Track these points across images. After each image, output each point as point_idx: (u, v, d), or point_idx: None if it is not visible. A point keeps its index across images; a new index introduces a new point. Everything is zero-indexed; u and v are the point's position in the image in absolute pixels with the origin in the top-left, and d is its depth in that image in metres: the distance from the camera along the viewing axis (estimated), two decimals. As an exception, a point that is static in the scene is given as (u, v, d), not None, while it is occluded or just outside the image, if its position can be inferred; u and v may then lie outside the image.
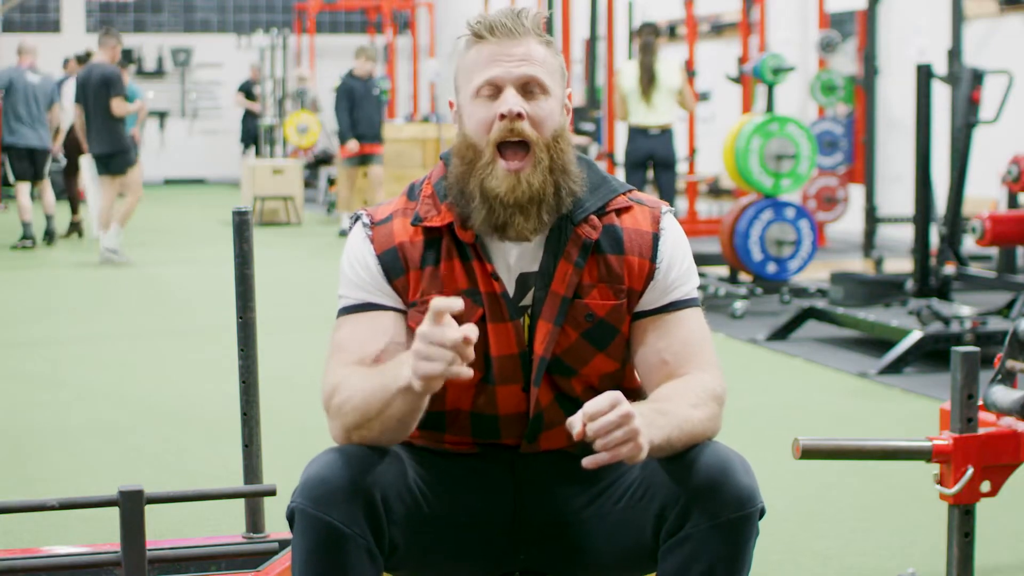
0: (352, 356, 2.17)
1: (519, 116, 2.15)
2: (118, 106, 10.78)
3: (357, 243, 2.24)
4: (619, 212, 2.25)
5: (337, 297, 2.25)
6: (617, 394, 1.99)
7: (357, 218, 2.28)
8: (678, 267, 2.24)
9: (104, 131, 10.79)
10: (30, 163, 12.24)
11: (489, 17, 2.20)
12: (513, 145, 2.16)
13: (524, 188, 2.14)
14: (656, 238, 2.24)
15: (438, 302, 1.95)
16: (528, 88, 2.17)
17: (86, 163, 11.52)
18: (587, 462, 1.99)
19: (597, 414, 1.97)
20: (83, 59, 13.87)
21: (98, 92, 10.77)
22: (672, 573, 2.09)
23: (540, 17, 2.22)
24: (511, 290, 2.20)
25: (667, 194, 9.49)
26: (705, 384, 2.18)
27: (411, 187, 2.29)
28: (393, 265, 2.21)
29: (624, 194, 2.26)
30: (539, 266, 2.20)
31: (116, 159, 10.85)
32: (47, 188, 12.44)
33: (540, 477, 2.25)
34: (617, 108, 9.63)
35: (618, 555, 2.19)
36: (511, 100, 2.16)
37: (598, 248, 2.22)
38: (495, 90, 2.17)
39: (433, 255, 2.20)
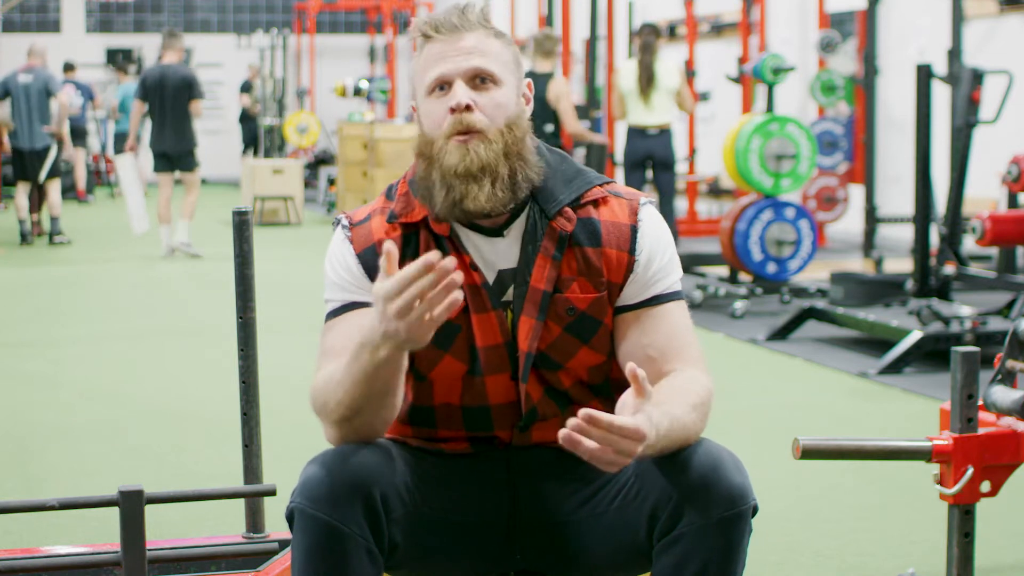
0: (338, 358, 2.17)
1: (467, 108, 2.17)
2: (198, 108, 11.36)
3: (337, 245, 2.26)
4: (596, 204, 2.24)
5: (324, 302, 2.26)
6: (644, 432, 1.95)
7: (338, 222, 2.29)
8: (659, 260, 2.23)
9: (180, 130, 11.32)
10: (21, 166, 12.36)
11: (435, 16, 2.22)
12: (464, 133, 2.18)
13: (473, 157, 2.15)
14: (634, 230, 2.23)
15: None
16: (478, 79, 2.19)
17: (127, 161, 11.62)
18: (563, 435, 1.94)
19: (617, 430, 1.93)
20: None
21: (179, 93, 11.26)
22: (666, 572, 2.08)
23: (486, 10, 2.25)
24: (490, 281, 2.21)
25: (667, 194, 9.49)
26: (702, 383, 2.18)
27: (389, 187, 2.31)
28: (373, 262, 2.21)
29: (600, 186, 2.26)
30: (517, 261, 2.20)
31: (188, 157, 11.43)
32: (51, 188, 12.51)
33: (535, 477, 2.25)
34: (615, 107, 9.63)
35: (612, 555, 2.19)
36: (460, 93, 2.17)
37: (575, 241, 2.21)
38: (446, 85, 2.19)
39: (411, 250, 2.21)
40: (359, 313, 2.19)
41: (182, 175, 11.54)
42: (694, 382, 2.17)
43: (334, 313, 2.23)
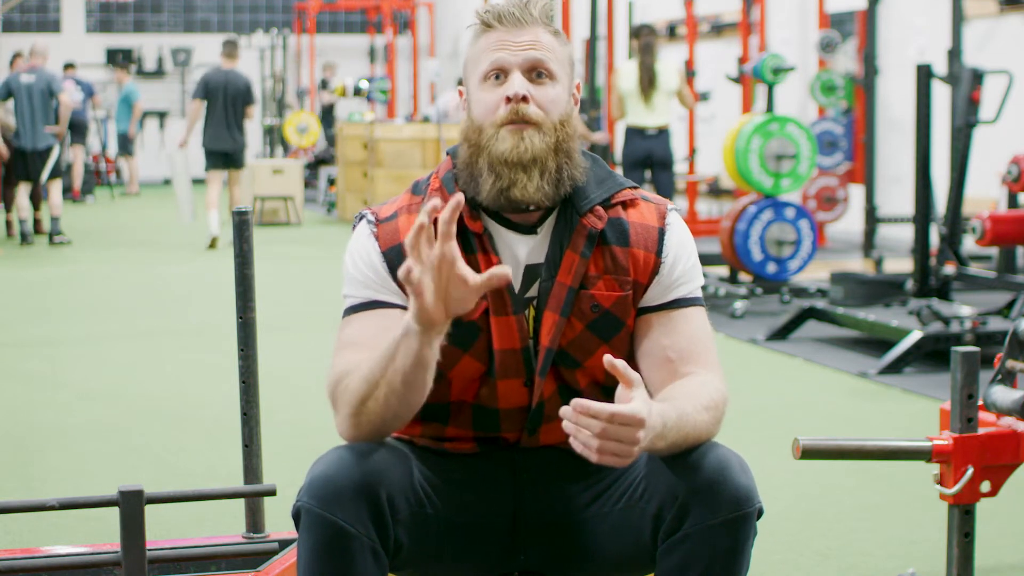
0: (360, 352, 2.16)
1: (524, 99, 2.16)
2: (252, 111, 12.55)
3: (362, 241, 2.24)
4: (625, 206, 2.25)
5: (342, 297, 2.25)
6: (644, 420, 1.95)
7: (361, 217, 2.27)
8: (683, 264, 2.25)
9: (237, 132, 12.40)
10: (23, 166, 12.39)
11: (497, 7, 2.22)
12: (519, 122, 2.18)
13: (527, 145, 2.15)
14: (662, 233, 2.25)
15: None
16: (535, 73, 2.19)
17: (180, 156, 12.21)
18: (567, 428, 1.96)
19: (616, 419, 1.94)
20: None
21: (239, 97, 12.39)
22: (671, 573, 2.08)
23: (548, 7, 2.24)
24: (517, 283, 2.21)
25: (665, 194, 9.50)
26: (717, 387, 2.18)
27: (415, 184, 2.29)
28: (399, 261, 2.20)
29: (630, 189, 2.27)
30: (545, 256, 2.20)
31: (240, 155, 12.44)
32: (53, 188, 12.58)
33: (541, 477, 2.25)
34: (614, 107, 9.65)
35: (617, 555, 2.19)
36: (517, 83, 2.17)
37: (604, 239, 2.22)
38: (502, 74, 2.19)
39: None
40: (381, 312, 2.19)
41: (233, 172, 12.39)
42: (708, 385, 2.17)
43: (354, 309, 2.21)
